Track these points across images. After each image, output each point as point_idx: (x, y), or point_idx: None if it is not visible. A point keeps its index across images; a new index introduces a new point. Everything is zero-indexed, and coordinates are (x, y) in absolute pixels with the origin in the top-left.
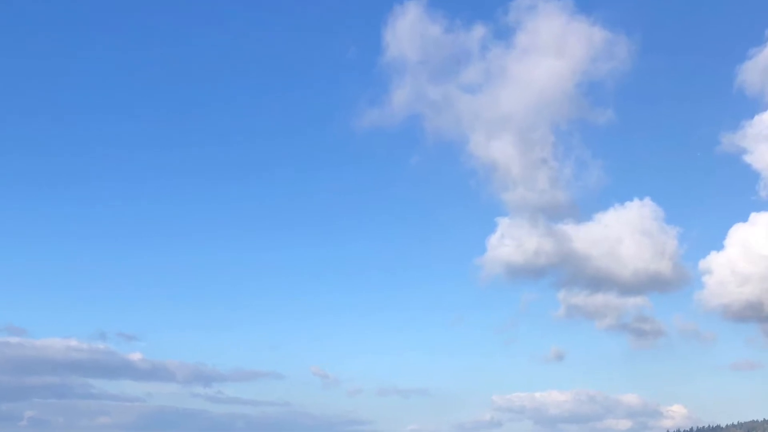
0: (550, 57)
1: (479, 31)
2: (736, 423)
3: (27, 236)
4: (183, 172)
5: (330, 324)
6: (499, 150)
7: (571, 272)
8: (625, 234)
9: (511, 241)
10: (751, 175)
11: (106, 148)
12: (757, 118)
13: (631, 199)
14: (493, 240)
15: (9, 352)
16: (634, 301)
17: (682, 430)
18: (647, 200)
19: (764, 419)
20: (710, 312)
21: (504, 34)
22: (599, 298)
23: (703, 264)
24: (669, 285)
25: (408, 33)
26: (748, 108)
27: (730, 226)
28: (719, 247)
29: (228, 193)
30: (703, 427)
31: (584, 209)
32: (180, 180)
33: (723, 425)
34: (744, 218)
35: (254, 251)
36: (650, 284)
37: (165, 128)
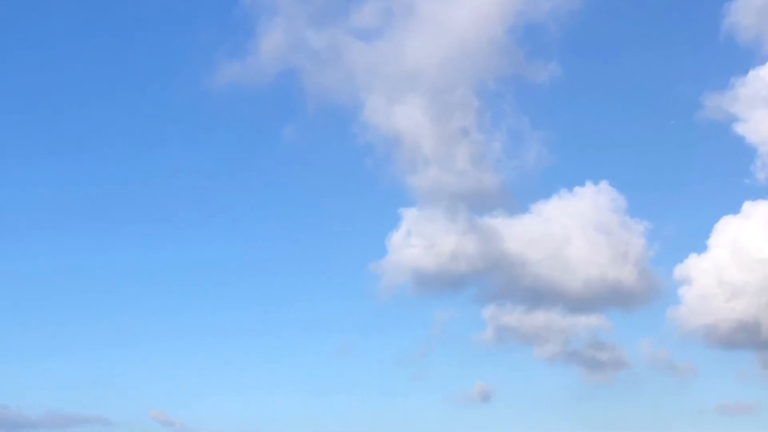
0: None
1: None
2: None
3: None
4: None
5: (175, 354)
6: (405, 118)
7: (501, 282)
8: (574, 230)
9: (421, 240)
10: (744, 151)
11: None
12: (752, 74)
13: (583, 184)
14: (396, 238)
15: None
16: (586, 321)
17: None
18: (604, 185)
19: None
20: (689, 335)
21: None
22: (539, 317)
23: (679, 271)
24: (634, 299)
25: None
26: (739, 61)
27: (716, 220)
28: (701, 248)
29: (37, 177)
30: None
31: (519, 197)
32: None
33: None
34: (734, 209)
35: (69, 255)
36: (608, 298)
37: None
